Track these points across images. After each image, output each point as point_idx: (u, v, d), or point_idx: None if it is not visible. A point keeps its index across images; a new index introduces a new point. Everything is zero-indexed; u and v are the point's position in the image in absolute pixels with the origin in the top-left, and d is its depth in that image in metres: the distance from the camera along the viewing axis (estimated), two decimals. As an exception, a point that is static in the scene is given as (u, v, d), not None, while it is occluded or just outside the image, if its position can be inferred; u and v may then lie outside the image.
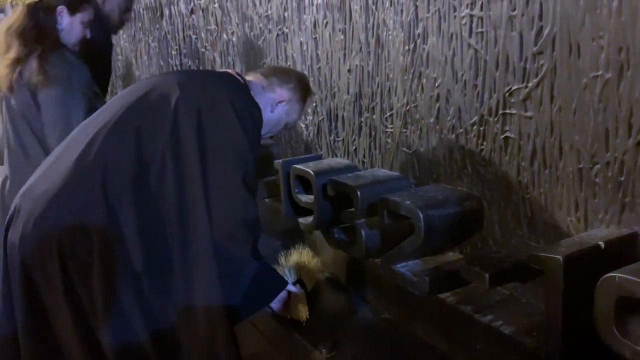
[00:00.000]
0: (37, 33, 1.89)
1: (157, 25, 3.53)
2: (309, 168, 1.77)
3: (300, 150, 2.13)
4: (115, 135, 1.27)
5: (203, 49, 2.88)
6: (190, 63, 3.10)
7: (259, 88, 1.51)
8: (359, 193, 1.51)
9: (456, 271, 1.24)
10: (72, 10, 1.98)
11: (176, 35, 3.25)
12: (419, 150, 1.52)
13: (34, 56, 1.86)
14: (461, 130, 1.37)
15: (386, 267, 1.38)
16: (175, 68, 3.36)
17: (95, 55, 2.29)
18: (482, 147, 1.31)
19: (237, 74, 1.49)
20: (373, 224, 1.49)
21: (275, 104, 1.52)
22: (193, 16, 2.95)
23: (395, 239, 1.41)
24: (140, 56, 4.04)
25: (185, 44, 3.14)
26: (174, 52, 3.32)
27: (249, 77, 1.52)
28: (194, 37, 2.99)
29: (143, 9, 3.78)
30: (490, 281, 1.13)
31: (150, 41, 3.75)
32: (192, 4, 2.94)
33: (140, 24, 3.92)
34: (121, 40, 4.54)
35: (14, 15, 1.95)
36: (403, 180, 1.58)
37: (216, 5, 2.64)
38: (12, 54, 1.87)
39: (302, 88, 1.58)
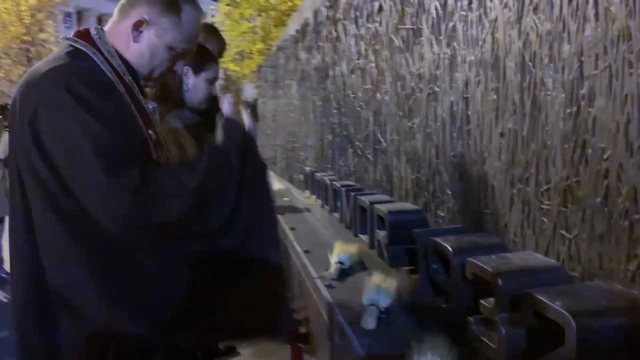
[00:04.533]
0: (160, 94, 1.91)
1: (323, 85, 3.65)
2: (447, 243, 1.57)
3: (445, 219, 1.92)
4: None
5: (359, 108, 2.87)
6: (347, 122, 3.11)
7: (113, 26, 1.28)
8: (500, 281, 1.26)
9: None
10: (197, 70, 2.03)
11: (338, 94, 3.31)
12: (581, 236, 1.23)
13: None
14: (637, 217, 1.06)
15: (529, 381, 1.11)
16: (334, 126, 3.41)
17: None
18: (667, 241, 0.99)
19: (80, 35, 1.26)
20: (518, 321, 1.23)
21: (132, 31, 1.25)
22: (353, 75, 2.98)
23: (546, 343, 1.14)
24: (308, 114, 4.23)
25: (344, 102, 3.18)
26: (334, 111, 3.39)
27: (108, 24, 1.31)
28: (352, 96, 3.01)
29: (313, 70, 3.97)
30: None
31: (316, 100, 3.90)
32: (352, 64, 2.97)
33: (309, 84, 4.12)
34: (294, 100, 4.83)
35: None
36: (560, 271, 1.29)
37: (373, 64, 2.62)
38: None
39: None
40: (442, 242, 1.58)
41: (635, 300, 1.04)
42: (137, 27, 1.25)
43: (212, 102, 2.17)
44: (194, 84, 2.05)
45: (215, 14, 12.50)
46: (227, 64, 12.33)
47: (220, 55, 2.64)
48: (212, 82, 2.10)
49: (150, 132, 1.25)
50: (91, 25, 1.40)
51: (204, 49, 2.17)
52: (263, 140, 7.25)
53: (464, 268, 1.45)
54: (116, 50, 1.25)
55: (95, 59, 1.21)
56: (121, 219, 1.10)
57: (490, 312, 1.29)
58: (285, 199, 5.10)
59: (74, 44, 1.22)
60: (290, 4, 9.50)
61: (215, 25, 13.04)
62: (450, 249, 1.53)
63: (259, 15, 10.28)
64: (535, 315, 1.13)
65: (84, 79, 1.14)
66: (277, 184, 6.34)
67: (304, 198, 4.49)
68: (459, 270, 1.49)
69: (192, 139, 1.90)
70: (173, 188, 1.14)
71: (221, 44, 2.63)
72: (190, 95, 2.05)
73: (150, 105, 1.31)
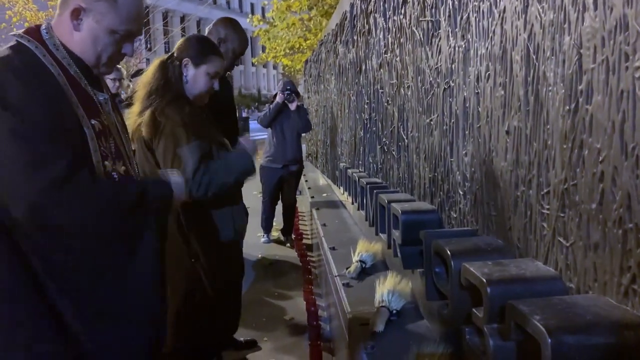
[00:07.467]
0: (162, 86, 1.92)
1: (356, 80, 3.60)
2: (447, 246, 1.50)
3: (457, 220, 1.84)
4: None
5: (386, 103, 2.80)
6: (376, 118, 3.04)
7: (57, 19, 1.28)
8: (488, 290, 1.19)
9: None
10: (197, 62, 1.99)
11: (368, 89, 3.25)
12: (577, 244, 1.13)
13: (150, 109, 1.88)
14: (630, 225, 0.96)
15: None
16: (365, 122, 3.35)
17: (221, 102, 2.33)
18: (659, 255, 0.89)
19: (30, 31, 1.26)
20: (507, 333, 1.15)
21: (71, 21, 1.25)
22: (381, 70, 2.91)
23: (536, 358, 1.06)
24: (344, 109, 4.18)
25: (374, 97, 3.11)
26: (365, 106, 3.33)
27: (54, 18, 1.30)
28: (380, 91, 2.94)
29: (348, 64, 3.91)
30: None
31: (351, 95, 3.85)
32: (380, 58, 2.90)
33: (345, 79, 4.07)
34: (332, 95, 4.79)
35: (149, 68, 2.03)
36: (557, 282, 1.19)
37: (398, 59, 2.54)
38: (137, 107, 1.93)
39: None
40: (442, 245, 1.51)
41: (623, 317, 0.94)
42: (76, 15, 1.25)
43: (215, 97, 2.14)
44: (193, 76, 2.00)
45: (269, 9, 12.58)
46: (280, 58, 12.43)
47: (242, 52, 2.64)
48: (213, 76, 2.04)
49: (93, 122, 1.25)
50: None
51: (207, 40, 2.13)
52: (308, 135, 7.27)
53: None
54: (62, 44, 1.26)
55: (36, 52, 1.21)
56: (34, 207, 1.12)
57: (480, 321, 1.22)
58: (325, 194, 5.09)
59: (18, 39, 1.24)
60: (338, -4, 9.41)
61: (270, 20, 12.87)
62: (448, 252, 1.46)
63: (311, 9, 10.24)
64: (518, 327, 1.06)
65: (14, 71, 1.15)
66: (320, 179, 6.34)
67: (341, 194, 4.46)
68: (456, 275, 1.42)
69: (189, 132, 1.88)
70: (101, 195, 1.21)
71: (243, 41, 2.62)
72: (189, 87, 2.02)
73: (101, 97, 1.33)
